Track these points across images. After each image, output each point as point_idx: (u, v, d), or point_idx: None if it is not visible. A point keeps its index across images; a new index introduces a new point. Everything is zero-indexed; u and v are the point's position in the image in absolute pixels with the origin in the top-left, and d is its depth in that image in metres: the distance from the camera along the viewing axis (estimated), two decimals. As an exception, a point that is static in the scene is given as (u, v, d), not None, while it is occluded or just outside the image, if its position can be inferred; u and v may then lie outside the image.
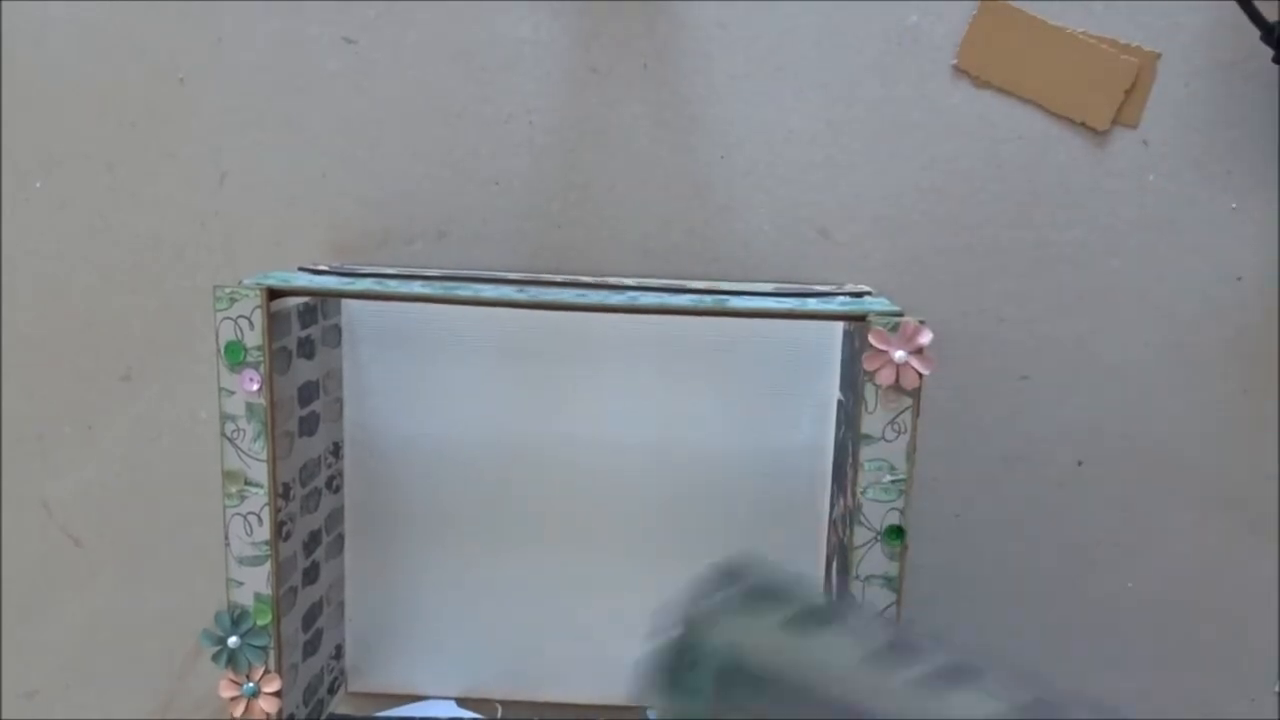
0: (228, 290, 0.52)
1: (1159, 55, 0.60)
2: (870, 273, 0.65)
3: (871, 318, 0.51)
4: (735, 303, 0.53)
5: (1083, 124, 0.61)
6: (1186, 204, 0.64)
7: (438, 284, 0.56)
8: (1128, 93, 0.60)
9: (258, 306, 0.52)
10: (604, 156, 0.65)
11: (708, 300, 0.53)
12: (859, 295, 0.58)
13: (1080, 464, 0.66)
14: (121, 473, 0.70)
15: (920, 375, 0.51)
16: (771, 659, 0.33)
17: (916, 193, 0.64)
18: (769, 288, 0.60)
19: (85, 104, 0.66)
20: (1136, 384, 0.66)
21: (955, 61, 0.62)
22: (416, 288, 0.54)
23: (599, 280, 0.59)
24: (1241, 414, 0.66)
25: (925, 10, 0.62)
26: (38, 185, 0.67)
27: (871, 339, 0.50)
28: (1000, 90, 0.61)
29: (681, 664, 0.32)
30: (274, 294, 0.53)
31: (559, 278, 0.60)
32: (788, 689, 0.32)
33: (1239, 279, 0.64)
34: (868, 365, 0.51)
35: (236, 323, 0.52)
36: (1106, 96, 0.61)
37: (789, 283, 0.64)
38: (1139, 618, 0.68)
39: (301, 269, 0.60)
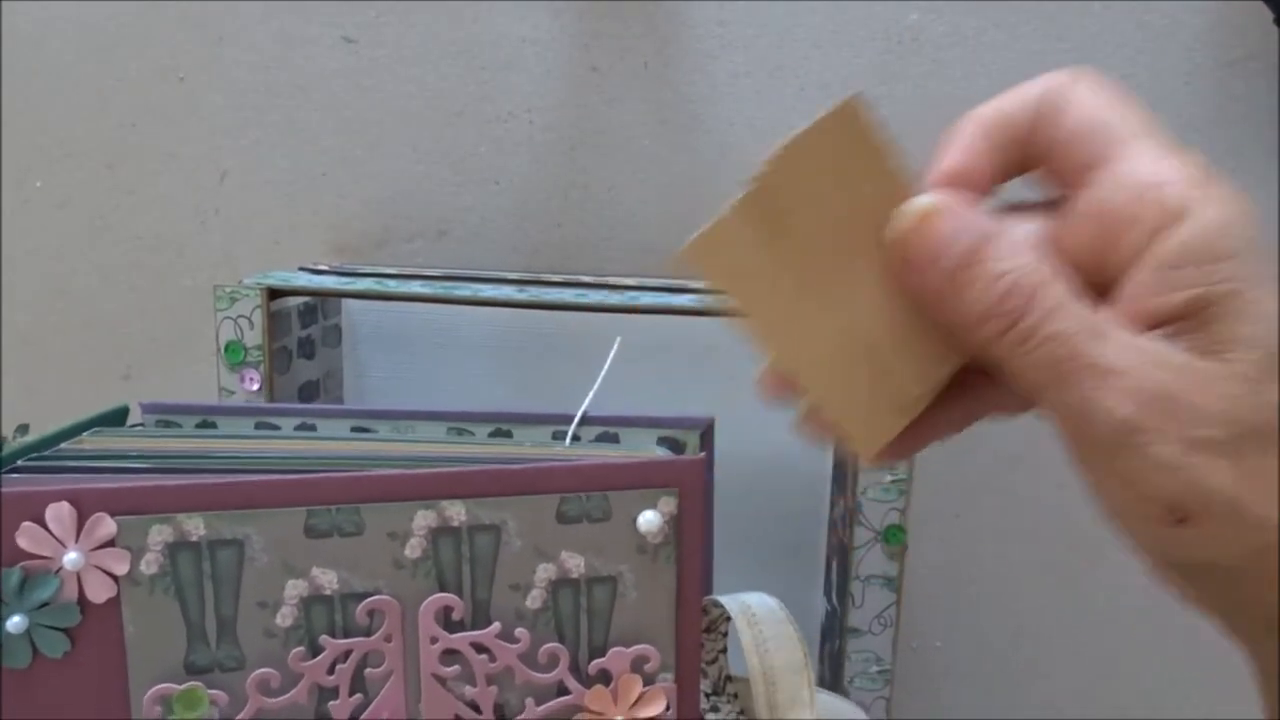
0: (228, 290, 0.52)
1: None
2: (870, 272, 0.65)
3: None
4: (735, 302, 0.53)
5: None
6: (1186, 204, 0.64)
7: (438, 284, 0.56)
8: None
9: (258, 306, 0.52)
10: (604, 156, 0.65)
11: (708, 300, 0.53)
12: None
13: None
14: (121, 472, 0.70)
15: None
16: None
17: (916, 192, 0.64)
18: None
19: (85, 104, 0.66)
20: (1136, 384, 0.66)
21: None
22: (416, 288, 0.54)
23: (599, 280, 0.59)
24: (1241, 414, 0.66)
25: (925, 10, 0.62)
26: (38, 185, 0.67)
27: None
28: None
29: None
30: (274, 294, 0.53)
31: (559, 277, 0.60)
32: None
33: (1239, 279, 0.64)
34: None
35: (237, 322, 0.52)
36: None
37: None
38: (1139, 618, 0.68)
39: (302, 269, 0.60)
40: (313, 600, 0.36)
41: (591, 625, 0.38)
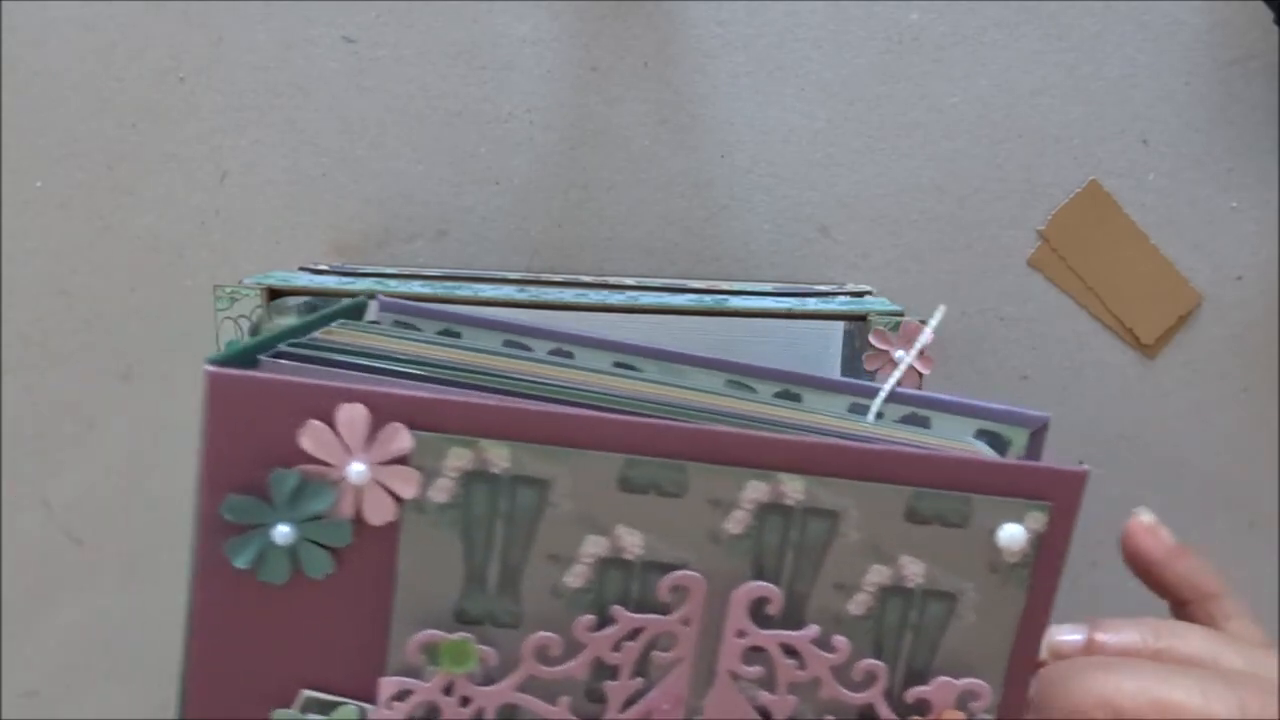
0: (228, 290, 0.52)
1: (1202, 300, 0.64)
2: (870, 272, 0.65)
3: (872, 317, 0.51)
4: (735, 303, 0.53)
5: (1130, 330, 0.64)
6: (1186, 204, 0.64)
7: (438, 284, 0.56)
8: (1182, 319, 0.64)
9: (258, 306, 0.52)
10: (604, 156, 0.65)
11: (708, 300, 0.53)
12: (859, 295, 0.58)
13: (1080, 464, 0.66)
14: (121, 473, 0.70)
15: (920, 375, 0.51)
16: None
17: (917, 192, 0.64)
18: (769, 287, 0.60)
19: (85, 104, 0.66)
20: (1136, 384, 0.66)
21: (1041, 227, 0.63)
22: (416, 288, 0.54)
23: (599, 280, 0.59)
24: (1241, 414, 0.66)
25: (925, 9, 0.62)
26: (38, 185, 0.67)
27: (872, 339, 0.50)
28: (1069, 268, 0.63)
29: None
30: (274, 294, 0.53)
31: (559, 277, 0.60)
32: None
33: (1239, 279, 0.64)
34: (868, 365, 0.51)
35: (237, 322, 0.52)
36: (1163, 314, 0.64)
37: (789, 282, 0.64)
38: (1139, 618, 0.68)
39: (302, 269, 0.60)
40: (610, 563, 0.31)
41: (915, 645, 0.33)
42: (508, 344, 0.41)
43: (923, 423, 0.40)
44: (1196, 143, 0.63)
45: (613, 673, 0.32)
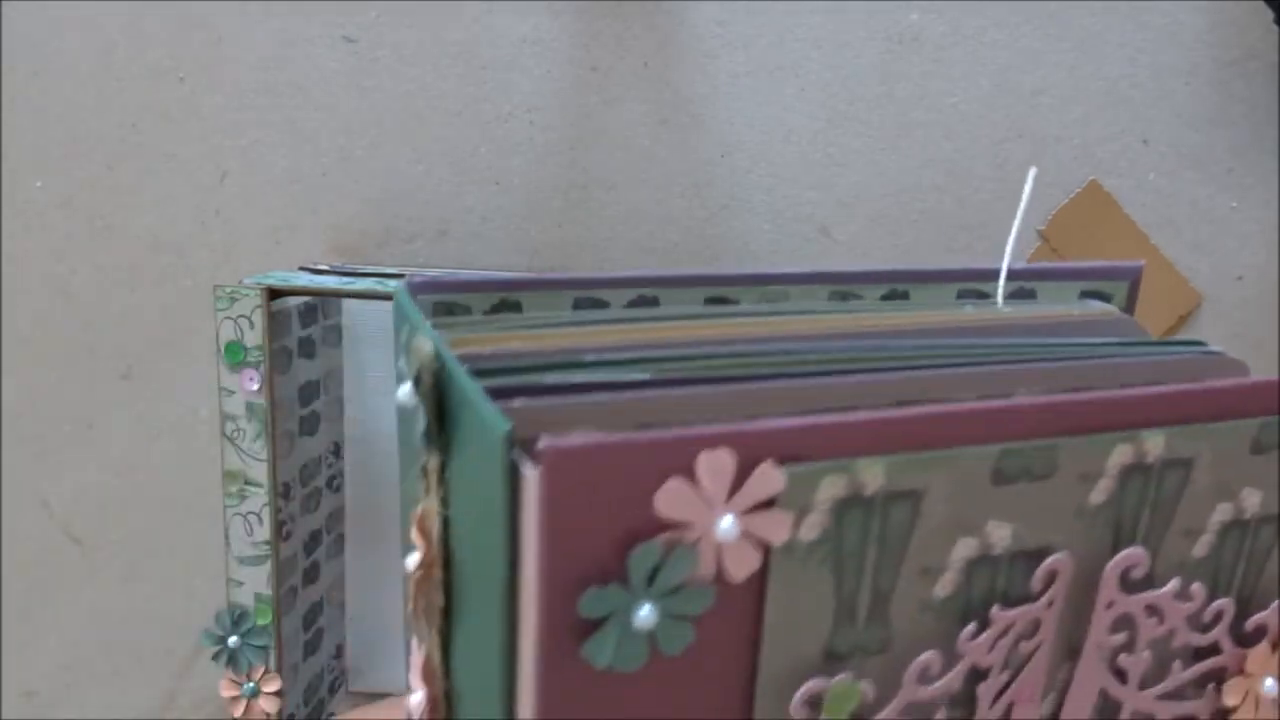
0: (228, 290, 0.52)
1: (1202, 300, 0.64)
2: (870, 272, 0.65)
3: (872, 317, 0.51)
4: (735, 302, 0.53)
5: None
6: (1186, 204, 0.64)
7: (438, 284, 0.56)
8: (1182, 319, 0.64)
9: (258, 306, 0.52)
10: (604, 156, 0.65)
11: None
12: (859, 295, 0.58)
13: None
14: (121, 473, 0.70)
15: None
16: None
17: (917, 192, 0.64)
18: (769, 287, 0.60)
19: (85, 104, 0.66)
20: (1136, 384, 0.66)
21: (1041, 227, 0.64)
22: (417, 287, 0.54)
23: (599, 280, 0.59)
24: (1241, 414, 0.66)
25: (925, 9, 0.62)
26: (38, 185, 0.67)
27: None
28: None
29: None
30: (274, 294, 0.53)
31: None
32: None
33: (1239, 279, 0.64)
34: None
35: (237, 322, 0.52)
36: (1163, 314, 0.64)
37: (789, 282, 0.64)
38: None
39: (302, 269, 0.60)
40: (977, 562, 0.28)
41: (1246, 573, 0.32)
42: (578, 304, 0.36)
43: (1029, 295, 0.38)
44: (1196, 143, 0.63)
45: (984, 673, 0.29)
